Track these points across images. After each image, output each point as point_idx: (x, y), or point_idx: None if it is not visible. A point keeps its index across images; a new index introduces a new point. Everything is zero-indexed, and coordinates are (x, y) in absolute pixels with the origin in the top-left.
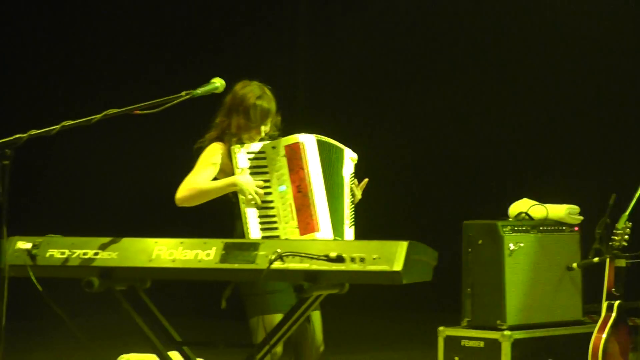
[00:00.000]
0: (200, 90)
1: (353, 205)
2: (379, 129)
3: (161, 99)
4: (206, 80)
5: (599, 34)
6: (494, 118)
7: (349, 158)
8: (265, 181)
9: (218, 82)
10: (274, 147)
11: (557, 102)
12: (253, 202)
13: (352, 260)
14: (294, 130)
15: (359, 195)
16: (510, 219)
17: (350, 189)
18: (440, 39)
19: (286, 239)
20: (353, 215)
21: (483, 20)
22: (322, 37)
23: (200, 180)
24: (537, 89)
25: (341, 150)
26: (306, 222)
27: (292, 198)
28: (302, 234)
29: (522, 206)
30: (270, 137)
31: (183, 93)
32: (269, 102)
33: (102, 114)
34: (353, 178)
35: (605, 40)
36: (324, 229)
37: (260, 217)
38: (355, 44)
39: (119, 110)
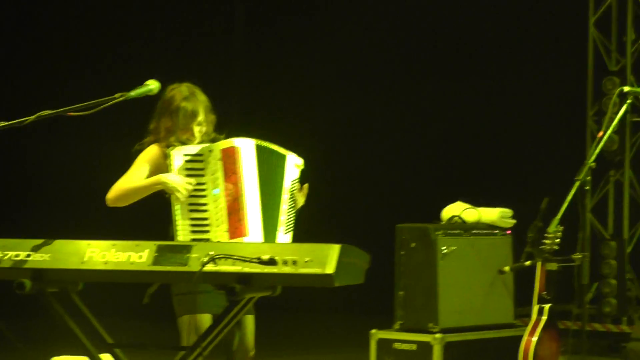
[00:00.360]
0: (134, 93)
1: (293, 212)
2: (312, 132)
3: (94, 101)
4: (142, 82)
5: (526, 37)
6: (427, 121)
7: (293, 164)
8: (201, 184)
9: (152, 85)
10: (210, 151)
11: (490, 106)
12: (182, 199)
13: (285, 263)
14: (244, 134)
15: (301, 201)
16: (443, 223)
17: (292, 195)
18: (380, 43)
19: (218, 242)
20: (292, 222)
21: (414, 23)
22: (258, 40)
23: (129, 180)
24: (469, 93)
25: (283, 157)
26: (235, 226)
27: (225, 201)
28: (231, 237)
29: (455, 210)
30: (212, 139)
31: (117, 95)
32: (194, 103)
33: (36, 116)
34: (295, 183)
35: (536, 45)
36: (253, 233)
37: (192, 219)
38: (291, 47)
39: (53, 111)
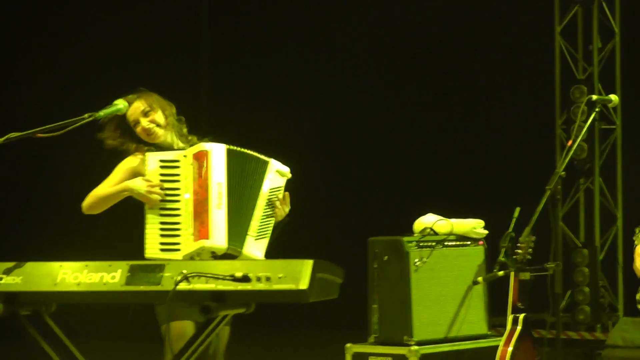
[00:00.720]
0: (102, 112)
1: (269, 219)
2: (282, 144)
3: (63, 122)
4: (110, 92)
5: (494, 47)
6: (399, 133)
7: (275, 171)
8: (175, 189)
9: (121, 104)
10: (185, 156)
11: (461, 117)
12: (152, 205)
13: (258, 279)
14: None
15: (283, 210)
16: (415, 235)
17: (270, 202)
18: (349, 55)
19: (192, 259)
20: (267, 229)
21: (382, 34)
22: (225, 48)
23: (101, 187)
24: (440, 105)
25: (263, 163)
26: (199, 229)
27: (192, 205)
28: (195, 240)
29: (427, 222)
30: (193, 145)
31: (86, 115)
32: (130, 97)
33: (4, 138)
34: (276, 191)
35: (504, 55)
36: (217, 237)
37: (164, 223)
38: (262, 57)
39: (22, 133)
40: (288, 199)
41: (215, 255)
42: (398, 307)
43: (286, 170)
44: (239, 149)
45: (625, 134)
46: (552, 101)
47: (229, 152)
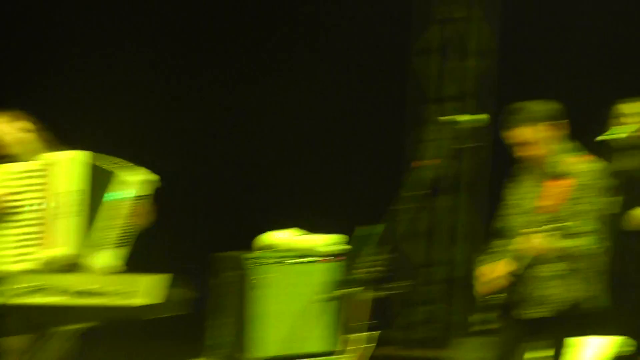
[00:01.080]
0: None
1: (124, 229)
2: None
3: None
4: None
5: (347, 64)
6: (248, 148)
7: (130, 181)
8: (25, 199)
9: None
10: (35, 167)
11: (314, 133)
12: None
13: (102, 294)
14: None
15: (140, 220)
16: (258, 251)
17: (120, 211)
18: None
19: (38, 273)
20: (120, 238)
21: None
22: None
23: None
24: (289, 122)
25: (109, 174)
26: (45, 238)
27: (42, 215)
28: (42, 249)
29: (270, 238)
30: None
31: None
32: None
33: None
34: (129, 201)
35: (356, 72)
36: (65, 246)
37: (13, 235)
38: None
39: None
40: (149, 209)
41: (64, 265)
42: (239, 323)
43: (147, 179)
44: (92, 159)
45: (491, 151)
46: (403, 119)
47: (80, 162)
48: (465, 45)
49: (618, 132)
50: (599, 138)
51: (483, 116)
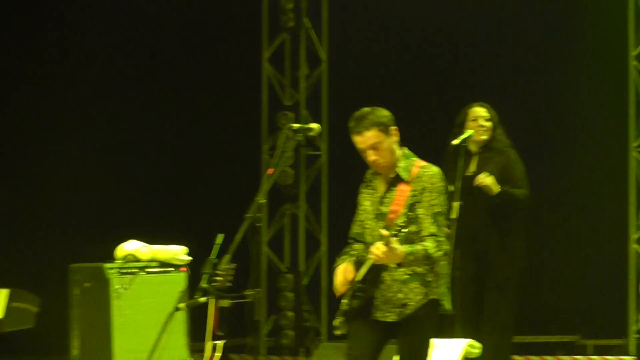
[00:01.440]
0: None
1: None
2: None
3: None
4: None
5: (203, 72)
6: (102, 157)
7: None
8: None
9: None
10: None
11: (164, 142)
12: None
13: None
14: None
15: None
16: (117, 261)
17: None
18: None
19: None
20: None
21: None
22: None
23: None
24: (144, 130)
25: None
26: None
27: None
28: None
29: (129, 248)
30: None
31: None
32: None
33: None
34: None
35: (211, 80)
36: None
37: None
38: None
39: None
40: None
41: None
42: (99, 334)
43: None
44: None
45: (331, 160)
46: (259, 127)
47: None
48: (297, 54)
49: (466, 136)
50: (455, 142)
51: (315, 125)
